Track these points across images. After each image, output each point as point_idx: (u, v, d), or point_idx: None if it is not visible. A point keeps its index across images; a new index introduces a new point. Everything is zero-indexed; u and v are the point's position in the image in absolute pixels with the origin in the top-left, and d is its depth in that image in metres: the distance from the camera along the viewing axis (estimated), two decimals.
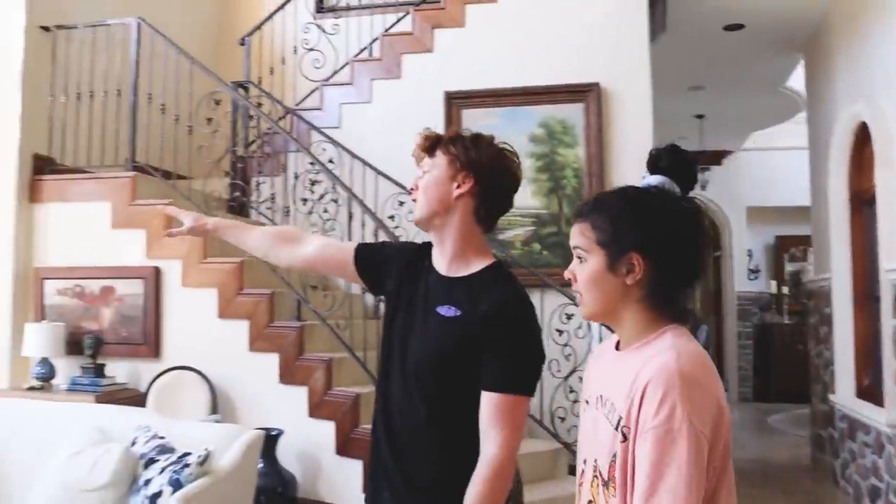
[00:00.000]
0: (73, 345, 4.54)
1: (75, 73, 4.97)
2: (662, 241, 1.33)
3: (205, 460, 2.81)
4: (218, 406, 4.30)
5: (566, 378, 4.46)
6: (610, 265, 1.34)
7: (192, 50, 5.10)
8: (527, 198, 5.25)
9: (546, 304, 4.48)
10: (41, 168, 4.86)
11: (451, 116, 5.50)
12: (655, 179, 1.40)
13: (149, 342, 4.53)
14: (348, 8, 6.40)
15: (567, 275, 1.41)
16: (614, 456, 1.27)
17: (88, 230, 4.75)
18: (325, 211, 4.82)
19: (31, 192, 4.83)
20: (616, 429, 1.27)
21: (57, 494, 2.87)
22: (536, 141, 5.32)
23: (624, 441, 1.24)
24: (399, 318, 1.84)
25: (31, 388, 4.36)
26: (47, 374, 4.41)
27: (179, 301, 4.57)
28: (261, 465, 3.92)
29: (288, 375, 4.27)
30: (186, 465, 2.79)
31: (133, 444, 3.00)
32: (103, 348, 4.50)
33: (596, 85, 5.22)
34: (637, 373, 1.26)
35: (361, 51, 5.96)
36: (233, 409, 4.36)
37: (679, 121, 8.32)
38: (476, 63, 5.47)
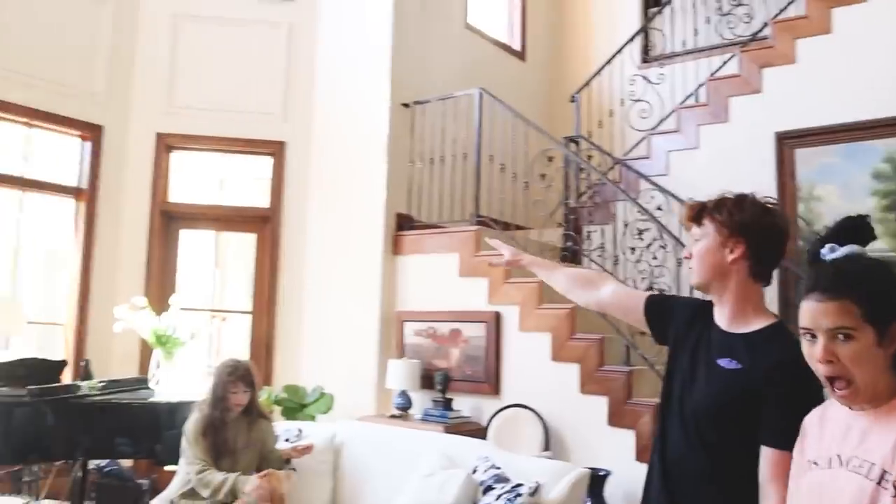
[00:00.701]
0: (426, 379, 5.15)
1: (429, 141, 5.68)
2: None
3: (535, 492, 3.08)
4: (550, 443, 4.59)
5: None
6: (879, 340, 1.34)
7: (527, 111, 5.59)
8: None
9: None
10: (402, 224, 5.63)
11: (783, 157, 5.33)
12: (851, 249, 1.41)
13: (490, 380, 4.98)
14: (673, 55, 6.49)
15: (825, 356, 1.37)
16: None
17: (439, 278, 5.37)
18: (654, 257, 4.92)
19: (394, 246, 5.61)
20: (878, 483, 1.28)
21: None
22: (881, 177, 4.93)
23: (895, 496, 1.25)
24: (679, 367, 1.94)
25: (392, 416, 5.04)
26: (406, 405, 5.06)
27: (517, 343, 4.96)
28: (588, 502, 4.13)
29: (616, 418, 4.42)
30: (519, 495, 3.08)
31: (474, 471, 3.38)
32: (451, 384, 5.05)
33: None
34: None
35: (687, 97, 6.02)
36: (564, 446, 4.62)
37: None
38: (808, 100, 5.24)
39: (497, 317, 5.01)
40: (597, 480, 4.15)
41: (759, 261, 1.85)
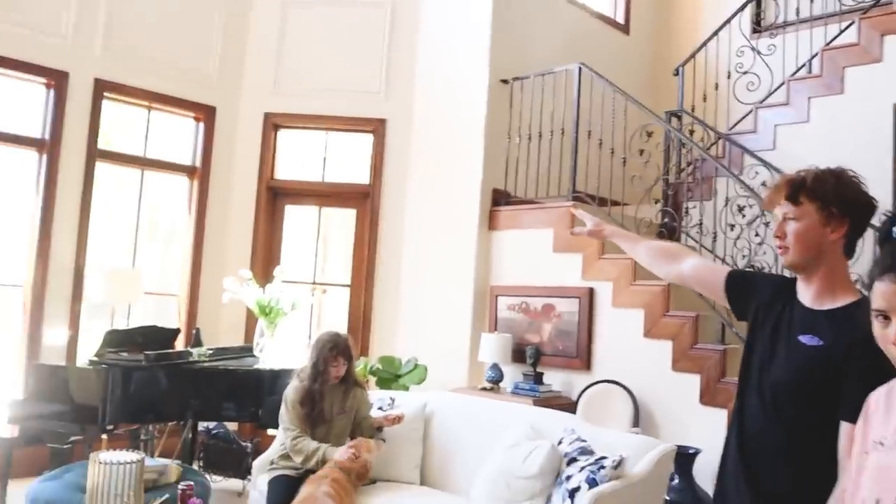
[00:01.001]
0: (518, 353, 5.19)
1: (527, 117, 5.68)
2: None
3: (619, 465, 3.07)
4: (640, 420, 4.55)
5: None
6: None
7: (627, 85, 5.50)
8: None
9: None
10: (498, 200, 5.67)
11: None
12: None
13: (581, 356, 4.98)
14: (785, 24, 6.21)
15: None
16: None
17: (534, 254, 5.38)
18: (756, 234, 4.77)
19: (490, 221, 5.65)
20: None
21: (497, 477, 3.39)
22: None
23: None
24: (759, 342, 1.90)
25: (483, 389, 5.11)
26: (497, 378, 5.12)
27: (609, 319, 4.93)
28: (676, 480, 4.07)
29: (708, 396, 4.34)
30: (602, 467, 3.08)
31: (559, 443, 3.40)
32: (542, 359, 5.08)
33: None
34: None
35: (799, 68, 5.76)
36: (653, 423, 4.57)
37: None
38: None
39: (590, 292, 4.99)
40: (686, 458, 4.10)
41: (854, 236, 1.83)
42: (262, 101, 6.31)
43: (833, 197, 1.80)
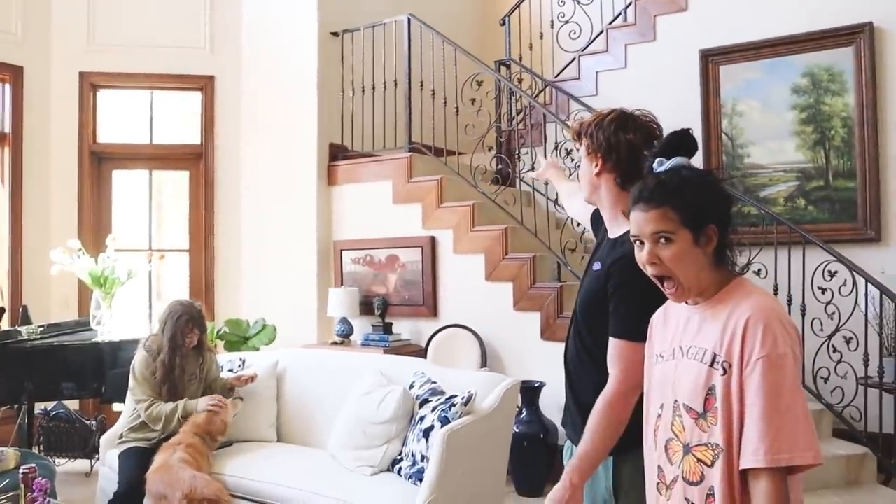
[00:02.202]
0: (366, 306, 5.26)
1: (359, 70, 5.66)
2: (724, 210, 1.54)
3: (468, 401, 3.22)
4: (487, 360, 4.76)
5: (829, 337, 4.31)
6: (695, 241, 1.51)
7: (457, 35, 5.59)
8: (790, 152, 5.07)
9: (808, 262, 4.35)
10: (335, 155, 5.65)
11: (708, 74, 5.45)
12: (677, 161, 1.57)
13: (427, 303, 5.11)
14: None
15: (649, 258, 1.54)
16: (710, 390, 1.46)
17: (374, 206, 5.43)
18: None
19: (329, 176, 5.63)
20: (711, 366, 1.47)
21: (353, 425, 3.46)
22: (800, 91, 5.10)
23: (724, 374, 1.44)
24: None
25: (334, 343, 5.15)
26: (347, 331, 5.17)
27: (452, 266, 5.08)
28: (524, 413, 4.33)
29: (549, 332, 4.60)
30: (453, 405, 3.22)
31: (411, 387, 3.51)
32: (390, 309, 5.18)
33: (868, 25, 4.87)
34: (728, 315, 1.47)
35: (615, 17, 6.08)
36: (500, 362, 4.79)
37: None
38: (732, 17, 5.35)
39: (432, 241, 5.11)
40: (532, 391, 4.35)
41: (624, 172, 1.98)
42: (76, 60, 5.89)
43: (589, 138, 2.02)
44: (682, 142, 1.61)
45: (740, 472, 1.41)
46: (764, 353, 1.40)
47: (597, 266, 1.98)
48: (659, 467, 1.59)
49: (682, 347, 1.57)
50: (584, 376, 2.00)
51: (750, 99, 5.31)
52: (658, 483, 1.60)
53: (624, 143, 1.99)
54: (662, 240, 1.52)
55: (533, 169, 5.36)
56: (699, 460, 1.48)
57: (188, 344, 3.78)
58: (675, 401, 1.55)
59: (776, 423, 1.37)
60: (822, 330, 4.32)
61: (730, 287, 1.54)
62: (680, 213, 1.51)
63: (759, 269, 4.59)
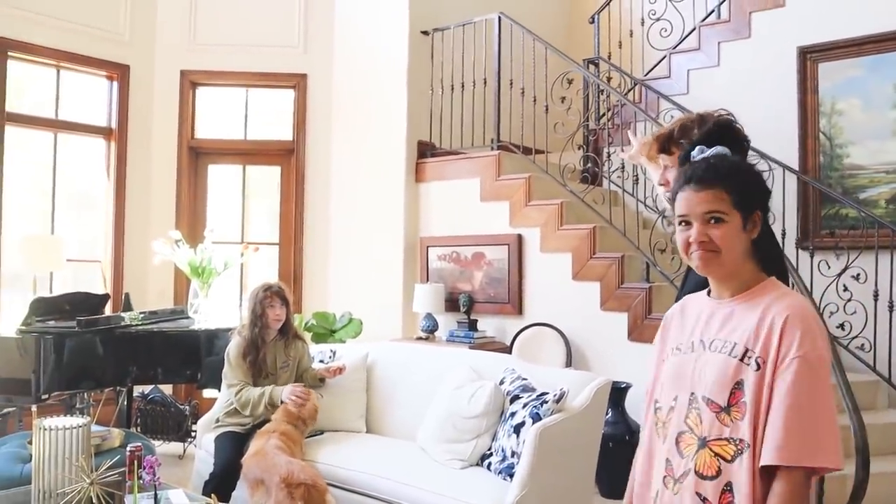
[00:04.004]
0: (451, 302, 5.31)
1: (449, 68, 5.71)
2: (766, 201, 1.59)
3: (560, 398, 3.22)
4: (572, 359, 4.74)
5: None
6: (744, 225, 1.52)
7: (546, 33, 5.59)
8: (892, 152, 4.88)
9: None
10: (424, 152, 5.72)
11: (806, 72, 5.29)
12: (718, 150, 1.58)
13: (513, 301, 5.13)
14: None
15: (699, 237, 1.53)
16: (738, 384, 1.46)
17: (462, 203, 5.47)
18: None
19: (417, 173, 5.70)
20: (741, 360, 1.46)
21: (444, 418, 3.51)
22: None
23: (758, 370, 1.44)
24: None
25: (419, 338, 5.22)
26: (432, 327, 5.23)
27: (538, 264, 5.08)
28: (609, 414, 4.29)
29: (636, 333, 4.55)
30: (545, 402, 3.22)
31: (501, 382, 3.53)
32: (475, 306, 5.22)
33: None
34: (763, 311, 1.47)
35: (709, 14, 5.96)
36: (585, 362, 4.77)
37: None
38: (832, 12, 5.18)
39: (519, 239, 5.12)
40: (618, 393, 4.31)
41: None
42: (178, 59, 6.14)
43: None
44: (724, 132, 1.64)
45: (761, 469, 1.41)
46: (801, 353, 1.41)
47: None
48: (667, 460, 1.57)
49: (703, 341, 1.57)
50: None
51: (850, 97, 5.14)
52: (665, 476, 1.57)
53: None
54: (713, 220, 1.53)
55: (622, 168, 5.33)
56: (716, 454, 1.47)
57: (271, 315, 3.85)
58: (693, 393, 1.54)
59: (805, 423, 1.38)
60: None
61: (764, 284, 1.55)
62: (732, 195, 1.52)
63: (858, 274, 4.45)
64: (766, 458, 1.39)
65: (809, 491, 1.40)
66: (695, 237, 1.54)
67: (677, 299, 2.06)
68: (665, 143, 2.06)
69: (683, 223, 1.57)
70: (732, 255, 1.53)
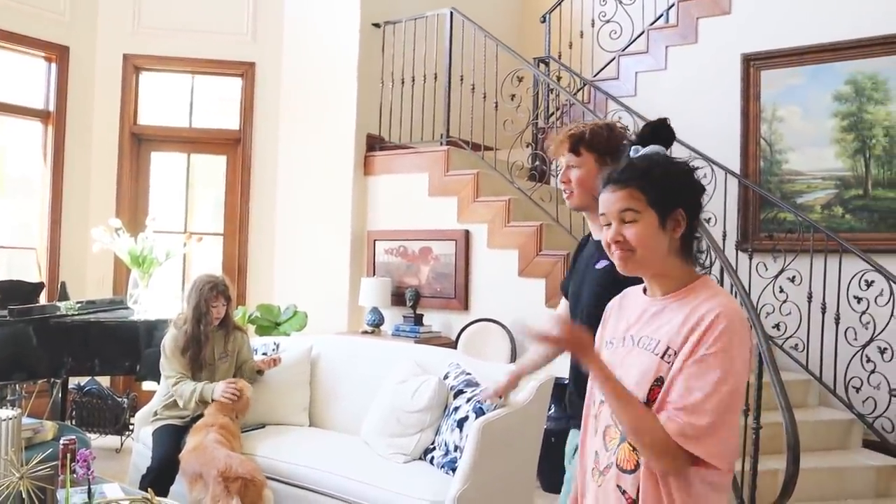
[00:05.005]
0: (397, 297, 5.30)
1: (400, 62, 5.68)
2: (693, 199, 1.55)
3: None
4: (516, 355, 4.77)
5: (864, 347, 4.29)
6: (661, 224, 1.52)
7: (498, 31, 5.61)
8: (829, 159, 5.04)
9: (844, 271, 4.33)
10: (372, 145, 5.69)
11: (750, 78, 5.42)
12: (653, 149, 1.58)
13: (459, 296, 5.14)
14: None
15: (614, 236, 1.55)
16: (657, 381, 1.46)
17: (410, 198, 5.46)
18: None
19: (365, 166, 5.67)
20: (662, 357, 1.46)
21: (387, 413, 3.50)
22: (841, 99, 5.06)
23: (670, 366, 1.45)
24: (574, 285, 2.21)
25: (364, 332, 5.19)
26: (377, 321, 5.21)
27: (485, 260, 5.10)
28: (552, 410, 4.33)
29: None
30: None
31: (445, 377, 3.54)
32: (421, 300, 5.22)
33: None
34: (691, 310, 1.47)
35: (657, 18, 6.06)
36: None
37: None
38: (776, 21, 5.32)
39: (466, 235, 5.14)
40: (560, 388, 4.34)
41: None
42: (121, 42, 5.98)
43: (606, 148, 2.08)
44: (658, 132, 1.63)
45: None
46: (714, 350, 1.40)
47: (601, 263, 2.02)
48: (596, 452, 1.59)
49: (633, 336, 1.58)
50: None
51: (791, 104, 5.28)
52: (592, 468, 1.60)
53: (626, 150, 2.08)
54: (627, 219, 1.53)
55: None
56: (634, 448, 1.48)
57: (213, 314, 3.79)
58: None
59: (703, 414, 1.37)
60: (856, 339, 4.30)
61: (696, 284, 1.54)
62: (646, 194, 1.52)
63: (794, 276, 4.58)
64: (661, 417, 1.41)
65: (723, 484, 1.38)
66: (611, 236, 1.55)
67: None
68: (576, 143, 2.10)
69: (607, 223, 1.58)
70: (650, 254, 1.53)
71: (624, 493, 1.49)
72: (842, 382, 4.37)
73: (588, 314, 2.06)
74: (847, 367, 4.35)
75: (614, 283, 1.91)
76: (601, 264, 2.03)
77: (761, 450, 3.48)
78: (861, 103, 4.99)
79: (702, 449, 1.37)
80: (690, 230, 1.56)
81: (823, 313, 4.44)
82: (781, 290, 4.61)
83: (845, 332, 4.35)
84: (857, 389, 4.35)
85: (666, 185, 1.53)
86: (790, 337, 4.59)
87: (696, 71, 5.63)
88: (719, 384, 1.38)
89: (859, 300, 4.32)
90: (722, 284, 4.00)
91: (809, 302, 4.51)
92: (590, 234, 2.25)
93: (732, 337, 1.41)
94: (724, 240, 4.83)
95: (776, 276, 4.62)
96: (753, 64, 5.40)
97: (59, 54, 5.75)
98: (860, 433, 4.32)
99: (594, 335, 1.99)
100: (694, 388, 1.39)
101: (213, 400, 3.61)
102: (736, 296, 3.94)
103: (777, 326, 4.60)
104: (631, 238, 1.52)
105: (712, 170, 4.71)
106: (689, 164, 1.62)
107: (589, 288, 2.08)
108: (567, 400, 2.22)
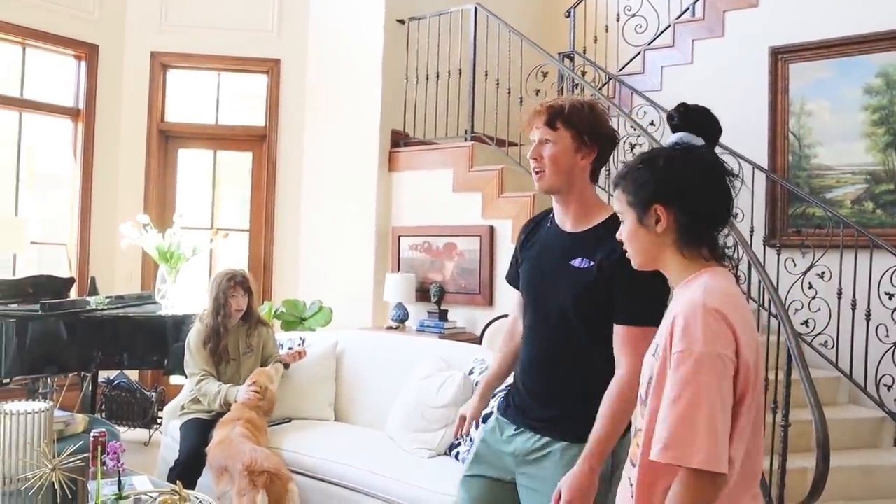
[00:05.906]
0: (422, 292, 5.31)
1: (424, 57, 5.68)
2: (679, 191, 1.50)
3: None
4: None
5: (895, 345, 4.22)
6: (640, 220, 1.53)
7: (522, 26, 5.59)
8: (859, 154, 4.96)
9: (875, 267, 4.26)
10: (397, 141, 5.69)
11: (777, 72, 5.35)
12: (675, 137, 1.57)
13: (483, 292, 5.13)
14: None
15: (620, 237, 1.62)
16: (650, 379, 1.48)
17: (434, 194, 5.46)
18: None
19: (390, 163, 5.68)
20: (653, 356, 1.49)
21: (412, 407, 3.51)
22: (872, 92, 4.98)
23: (658, 362, 1.46)
24: (534, 272, 2.10)
25: (389, 328, 5.20)
26: (402, 317, 5.22)
27: (509, 256, 5.04)
28: None
29: None
30: None
31: (470, 372, 3.54)
32: (446, 296, 5.22)
33: None
34: (673, 306, 1.49)
35: (683, 11, 6.00)
36: None
37: None
38: (804, 14, 5.25)
39: (491, 230, 5.12)
40: None
41: (600, 164, 2.00)
42: (149, 40, 6.04)
43: (586, 126, 1.97)
44: (684, 118, 1.61)
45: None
46: (679, 349, 1.38)
47: (581, 262, 1.95)
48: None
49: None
50: (582, 367, 1.98)
51: (820, 98, 5.21)
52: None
53: (613, 136, 2.02)
54: (624, 220, 1.60)
55: None
56: (638, 444, 1.51)
57: (234, 305, 3.83)
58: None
59: (682, 421, 1.34)
60: (887, 336, 4.24)
61: (694, 277, 1.51)
62: (627, 195, 1.57)
63: (823, 272, 4.52)
64: (651, 454, 1.40)
65: (712, 488, 1.34)
66: (626, 234, 1.62)
67: None
68: (553, 117, 1.98)
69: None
70: (637, 252, 1.59)
71: (632, 485, 1.54)
72: (872, 380, 4.31)
73: (562, 315, 1.97)
74: (878, 365, 4.29)
75: (598, 284, 1.91)
76: (581, 263, 1.95)
77: (790, 448, 3.44)
78: (893, 96, 4.91)
79: (695, 460, 1.33)
80: (690, 222, 1.50)
81: (854, 310, 4.38)
82: (810, 287, 4.55)
83: (876, 329, 4.29)
84: (889, 388, 4.28)
85: (639, 183, 1.55)
86: (819, 334, 4.54)
87: (722, 65, 5.57)
88: (683, 386, 1.36)
89: (891, 296, 4.25)
90: (749, 280, 3.96)
91: (839, 298, 4.46)
92: (546, 215, 2.13)
93: (693, 334, 1.37)
94: (751, 235, 4.77)
95: (805, 273, 4.56)
96: (781, 57, 5.33)
97: (88, 53, 5.82)
98: (891, 432, 4.26)
99: (572, 337, 1.99)
100: (671, 404, 1.38)
101: (236, 401, 3.64)
102: (763, 292, 3.91)
103: (806, 323, 4.55)
104: (621, 236, 1.61)
105: (739, 165, 4.67)
106: (697, 155, 1.54)
107: (567, 288, 1.97)
108: (515, 397, 2.17)
